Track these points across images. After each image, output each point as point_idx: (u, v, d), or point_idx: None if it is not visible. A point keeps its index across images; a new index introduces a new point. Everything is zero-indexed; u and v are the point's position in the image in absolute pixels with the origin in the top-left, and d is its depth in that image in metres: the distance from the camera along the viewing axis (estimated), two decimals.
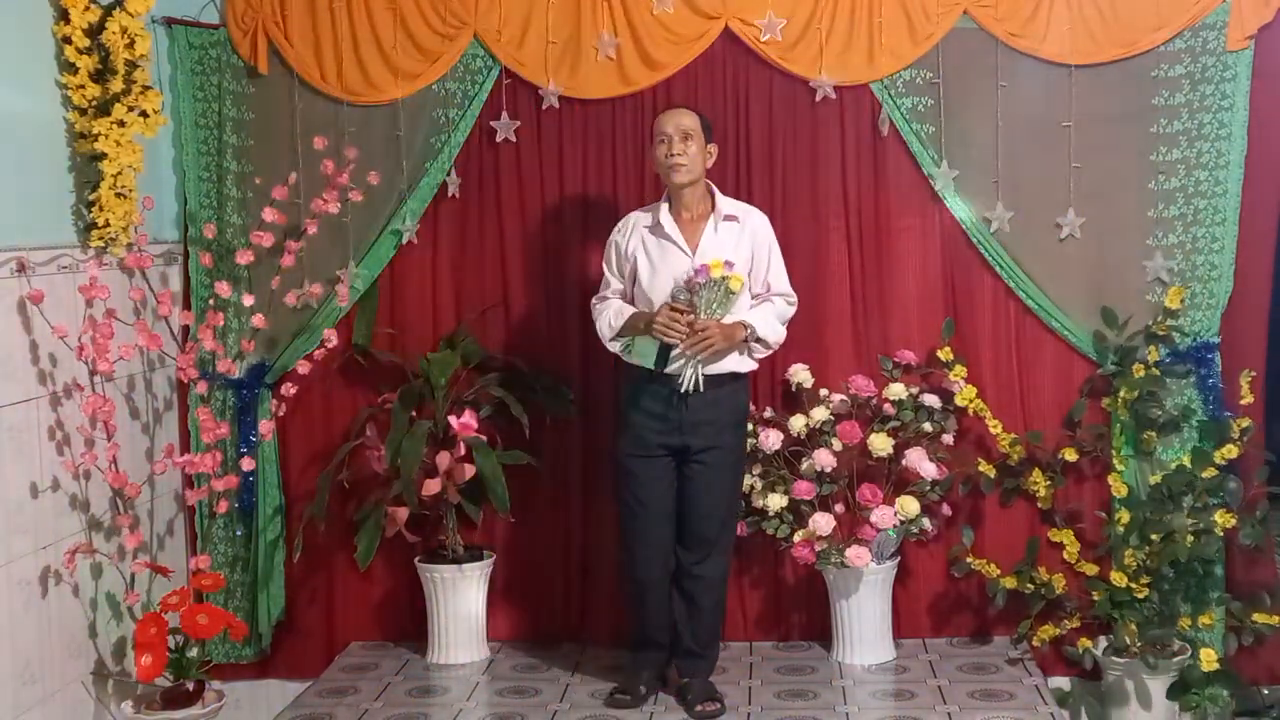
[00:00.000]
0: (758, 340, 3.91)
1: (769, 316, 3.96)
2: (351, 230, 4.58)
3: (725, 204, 3.99)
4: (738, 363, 3.93)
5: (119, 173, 3.97)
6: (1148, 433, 4.29)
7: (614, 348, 3.99)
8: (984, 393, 4.43)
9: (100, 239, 3.98)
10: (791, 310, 4.09)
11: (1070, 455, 4.35)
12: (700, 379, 3.82)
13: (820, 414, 4.36)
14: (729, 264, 3.80)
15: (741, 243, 3.93)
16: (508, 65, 4.51)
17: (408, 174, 4.56)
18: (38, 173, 3.80)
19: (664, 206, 3.95)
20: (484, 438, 4.33)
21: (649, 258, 3.92)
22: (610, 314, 3.97)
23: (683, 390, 3.82)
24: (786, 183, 4.51)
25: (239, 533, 4.64)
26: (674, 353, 3.80)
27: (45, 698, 3.75)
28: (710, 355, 3.81)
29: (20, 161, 3.70)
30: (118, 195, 3.98)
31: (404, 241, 4.59)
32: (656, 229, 3.93)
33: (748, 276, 3.90)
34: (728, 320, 3.82)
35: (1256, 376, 4.23)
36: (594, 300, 4.09)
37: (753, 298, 3.98)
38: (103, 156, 3.93)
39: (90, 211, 3.96)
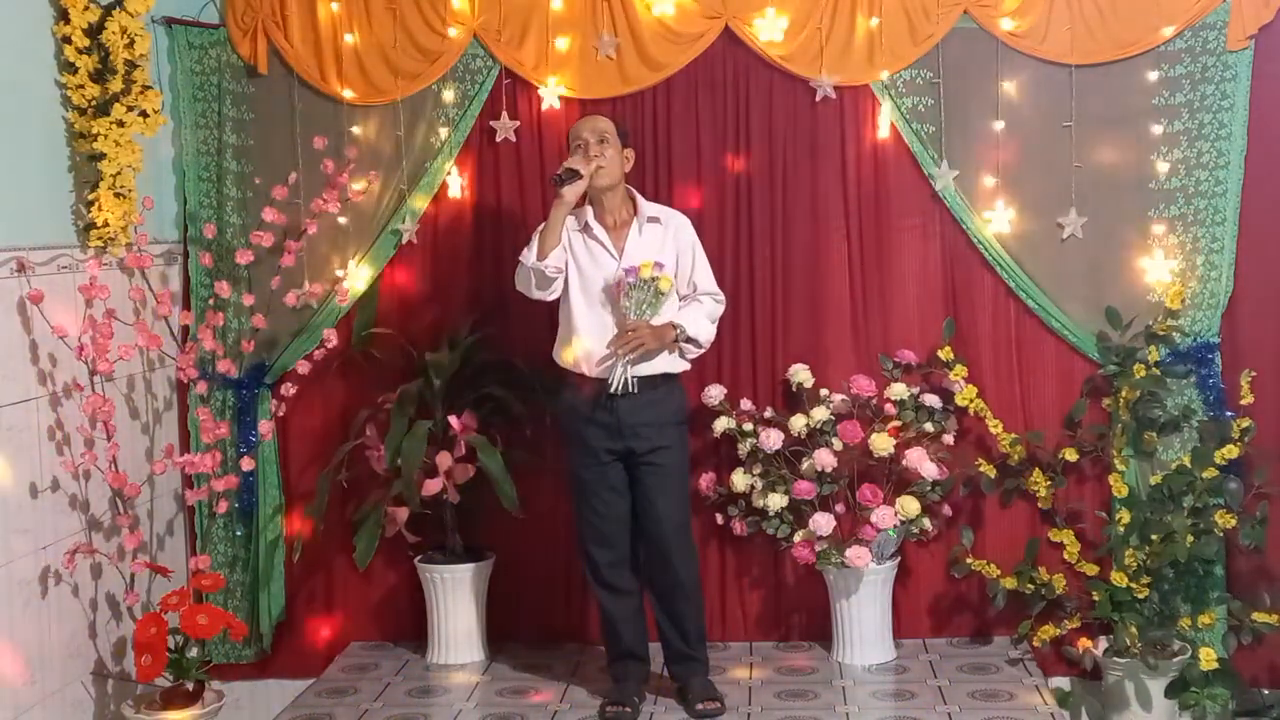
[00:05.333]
0: (689, 340, 3.93)
1: (699, 316, 3.99)
2: (351, 230, 4.59)
3: (648, 207, 4.01)
4: (669, 363, 3.95)
5: (118, 173, 3.96)
6: (1148, 433, 4.29)
7: (530, 258, 3.87)
8: (984, 393, 4.42)
9: (99, 239, 3.98)
10: (720, 309, 4.11)
11: (1071, 455, 4.34)
12: (631, 380, 3.83)
13: (821, 414, 4.36)
14: (659, 265, 3.85)
15: (666, 245, 3.96)
16: (508, 65, 4.51)
17: (408, 174, 4.56)
18: (38, 173, 3.80)
19: (589, 211, 3.96)
20: (485, 437, 4.33)
21: (577, 261, 3.93)
22: (525, 249, 3.89)
23: (613, 390, 3.83)
24: (786, 183, 4.51)
25: (239, 533, 4.64)
26: (606, 354, 3.84)
27: (45, 698, 3.75)
28: (640, 355, 3.84)
29: (20, 161, 3.70)
30: (116, 195, 3.98)
31: (404, 241, 4.59)
32: (586, 229, 3.95)
33: (674, 278, 3.92)
34: (657, 322, 3.86)
35: (1257, 376, 4.23)
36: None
37: (680, 299, 3.99)
38: (102, 156, 3.93)
39: (89, 211, 3.96)
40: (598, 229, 3.95)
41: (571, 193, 3.81)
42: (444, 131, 4.55)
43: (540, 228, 3.92)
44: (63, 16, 3.85)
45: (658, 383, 3.92)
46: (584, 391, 3.92)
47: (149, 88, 4.06)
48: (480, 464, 4.30)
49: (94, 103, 3.91)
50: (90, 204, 3.95)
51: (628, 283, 3.84)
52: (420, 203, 4.57)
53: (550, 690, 4.21)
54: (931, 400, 4.36)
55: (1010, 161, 4.39)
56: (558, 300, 3.98)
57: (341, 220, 4.56)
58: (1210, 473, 4.14)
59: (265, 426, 4.50)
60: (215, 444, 4.40)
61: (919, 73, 4.41)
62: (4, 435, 3.59)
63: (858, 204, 4.50)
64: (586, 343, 3.90)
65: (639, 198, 4.03)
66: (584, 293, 3.92)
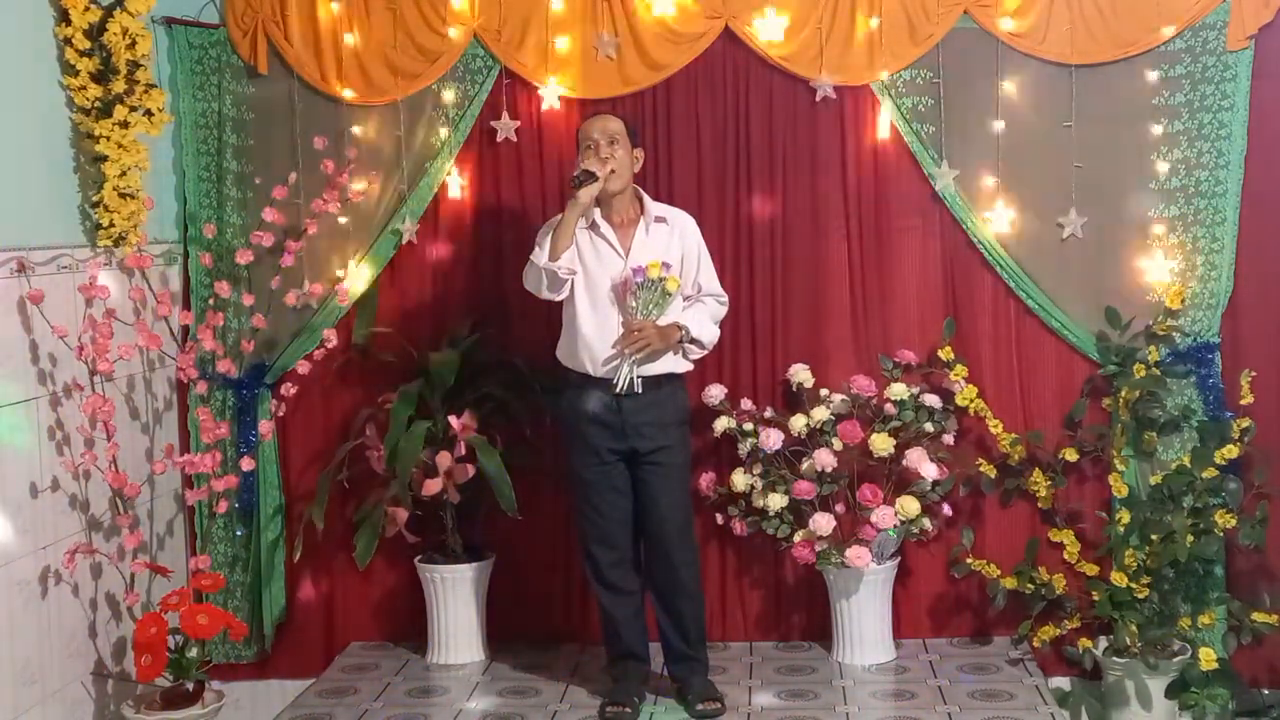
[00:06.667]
0: (692, 341, 3.94)
1: (703, 317, 4.00)
2: (351, 230, 4.59)
3: (654, 207, 4.01)
4: (673, 363, 3.95)
5: (122, 173, 3.97)
6: (1148, 433, 4.29)
7: (542, 259, 3.85)
8: (984, 393, 4.43)
9: (108, 239, 3.98)
10: (724, 310, 4.12)
11: (1071, 455, 4.35)
12: (636, 380, 3.84)
13: (821, 414, 4.36)
14: (666, 265, 3.85)
15: (672, 245, 3.97)
16: (508, 65, 4.51)
17: (408, 174, 4.56)
18: (39, 173, 3.80)
19: (596, 210, 3.95)
20: (485, 438, 4.33)
21: (583, 260, 3.92)
22: (536, 249, 3.89)
23: (619, 390, 3.83)
24: (786, 183, 4.51)
25: (239, 533, 4.64)
26: (610, 353, 3.85)
27: (45, 698, 3.75)
28: (646, 355, 3.84)
29: (22, 162, 3.70)
30: (121, 196, 3.98)
31: (404, 241, 4.59)
32: (593, 228, 3.94)
33: (679, 278, 3.92)
34: (663, 322, 3.86)
35: (1257, 376, 4.23)
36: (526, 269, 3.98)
37: (685, 299, 4.00)
38: (104, 158, 3.93)
39: (96, 212, 3.96)
40: (605, 227, 3.94)
41: (587, 195, 3.81)
42: (444, 131, 4.55)
43: (546, 228, 3.93)
44: (63, 18, 3.85)
45: (661, 383, 3.92)
46: (588, 391, 3.92)
47: (153, 86, 4.06)
48: (479, 465, 4.29)
49: (97, 104, 3.91)
50: (96, 205, 3.95)
51: (635, 283, 3.84)
52: (420, 203, 4.57)
53: (550, 690, 4.20)
54: (931, 400, 4.36)
55: (1010, 161, 4.39)
56: (560, 300, 3.98)
57: (341, 220, 4.56)
58: (1210, 473, 4.14)
59: (265, 426, 4.50)
60: (215, 444, 4.40)
61: (919, 73, 4.41)
62: (4, 435, 3.59)
63: (858, 204, 4.50)
64: (591, 342, 3.90)
65: (645, 197, 4.03)
66: (589, 292, 3.92)
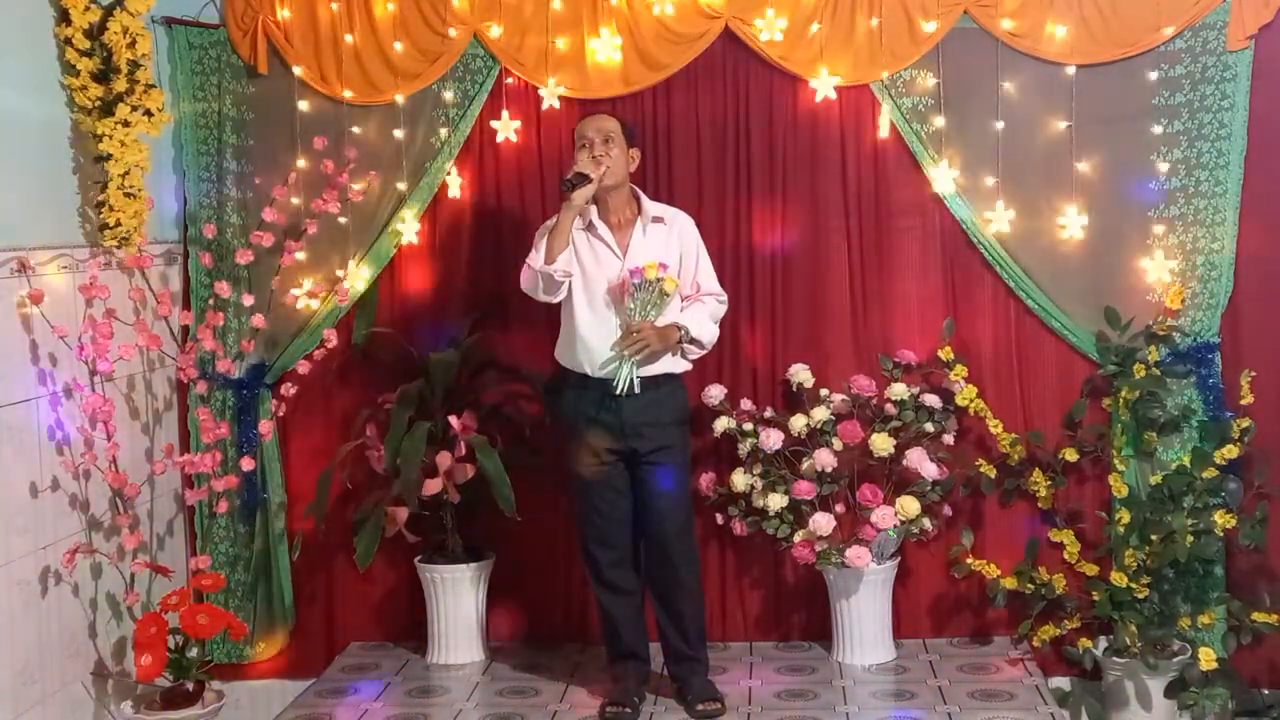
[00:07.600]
0: (691, 341, 3.93)
1: (702, 317, 3.99)
2: (351, 230, 4.59)
3: (652, 207, 4.01)
4: (672, 363, 3.95)
5: (126, 172, 3.97)
6: (1148, 433, 4.29)
7: (538, 262, 3.85)
8: (984, 393, 4.42)
9: (113, 239, 3.99)
10: (723, 309, 4.12)
11: (1071, 455, 4.35)
12: (635, 381, 3.84)
13: (821, 414, 4.36)
14: (663, 266, 3.85)
15: (670, 245, 3.97)
16: (508, 65, 4.51)
17: (408, 174, 4.56)
18: (39, 173, 3.80)
19: (593, 210, 3.94)
20: (484, 438, 4.33)
21: (581, 261, 3.92)
22: (533, 253, 3.88)
23: (618, 391, 3.83)
24: (786, 183, 4.51)
25: (240, 531, 4.64)
26: (609, 354, 3.85)
27: (45, 698, 3.75)
28: (645, 356, 3.83)
29: (22, 162, 3.70)
30: (126, 195, 3.99)
31: (404, 241, 4.59)
32: (590, 229, 3.94)
33: (677, 278, 3.92)
34: (661, 323, 3.86)
35: (1257, 376, 4.23)
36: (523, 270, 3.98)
37: (683, 299, 3.99)
38: (108, 157, 3.93)
39: (100, 212, 3.96)
40: (602, 228, 3.94)
41: (581, 197, 3.80)
42: (444, 131, 4.55)
43: (543, 230, 3.92)
44: (64, 18, 3.85)
45: (660, 382, 3.92)
46: (587, 392, 3.92)
47: (152, 86, 4.07)
48: (479, 464, 4.29)
49: (98, 103, 3.91)
50: (100, 205, 3.95)
51: (632, 284, 3.84)
52: (420, 203, 4.58)
53: (550, 690, 4.20)
54: (931, 400, 4.36)
55: (1010, 161, 4.39)
56: (558, 302, 3.98)
57: (341, 220, 4.56)
58: (1210, 473, 4.14)
59: (265, 426, 4.50)
60: (215, 444, 4.40)
61: (919, 73, 4.41)
62: (4, 435, 3.59)
63: (858, 204, 4.50)
64: (590, 343, 3.90)
65: (643, 197, 4.03)
66: (587, 293, 3.92)
